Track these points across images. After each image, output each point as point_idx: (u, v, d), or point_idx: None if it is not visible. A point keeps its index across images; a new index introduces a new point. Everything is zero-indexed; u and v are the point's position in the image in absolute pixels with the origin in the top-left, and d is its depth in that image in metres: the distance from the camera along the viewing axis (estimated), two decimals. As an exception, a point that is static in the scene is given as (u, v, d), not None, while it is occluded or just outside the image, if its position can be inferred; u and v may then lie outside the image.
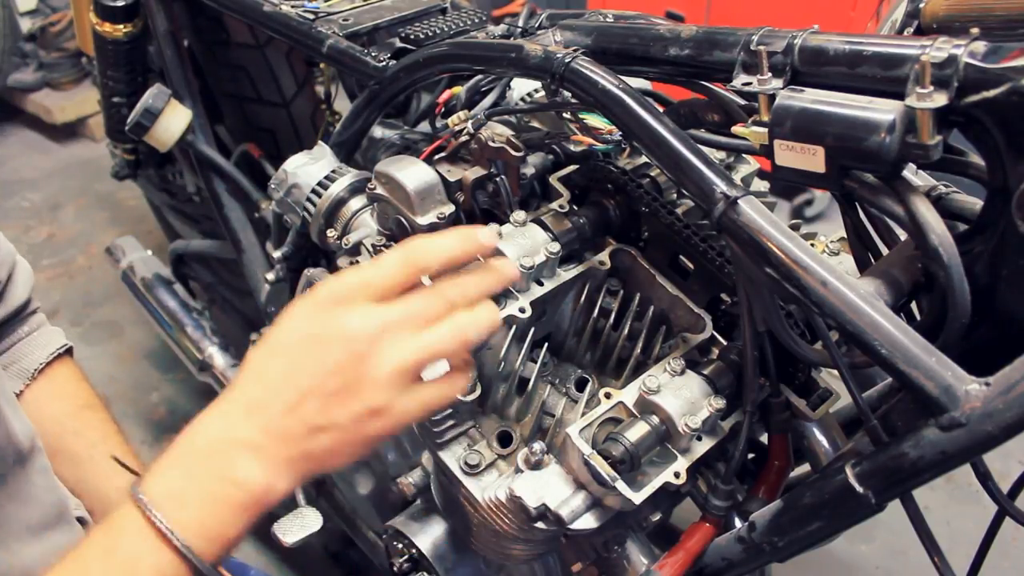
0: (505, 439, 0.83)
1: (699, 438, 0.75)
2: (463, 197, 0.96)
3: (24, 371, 1.00)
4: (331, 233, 1.07)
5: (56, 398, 1.02)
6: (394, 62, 1.07)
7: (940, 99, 0.58)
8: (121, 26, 1.58)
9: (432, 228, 0.94)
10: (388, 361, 0.63)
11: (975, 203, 0.70)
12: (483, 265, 0.72)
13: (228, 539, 0.62)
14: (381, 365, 0.63)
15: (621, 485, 0.69)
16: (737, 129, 0.73)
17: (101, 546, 0.61)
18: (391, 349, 0.63)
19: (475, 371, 0.75)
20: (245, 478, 0.61)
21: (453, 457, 0.81)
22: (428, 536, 0.91)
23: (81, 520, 0.88)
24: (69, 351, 1.07)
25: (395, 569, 0.91)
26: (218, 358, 1.71)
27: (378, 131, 1.26)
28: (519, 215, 0.86)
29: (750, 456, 0.96)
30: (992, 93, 0.57)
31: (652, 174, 0.92)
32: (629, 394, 0.76)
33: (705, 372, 0.78)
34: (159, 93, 1.47)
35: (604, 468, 0.69)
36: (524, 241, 0.83)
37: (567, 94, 0.82)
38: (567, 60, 0.79)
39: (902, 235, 0.71)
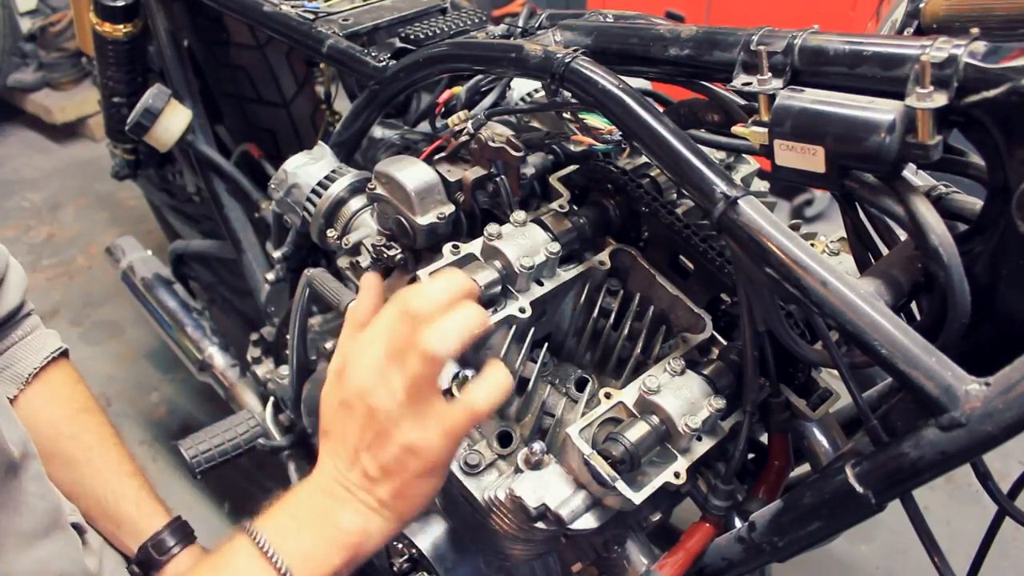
0: (505, 439, 0.83)
1: (699, 438, 0.75)
2: (463, 197, 0.96)
3: (18, 376, 0.99)
4: (331, 233, 1.07)
5: (52, 402, 1.02)
6: (394, 62, 1.07)
7: (940, 99, 0.58)
8: (121, 26, 1.58)
9: (432, 228, 0.94)
10: (391, 399, 0.67)
11: (975, 203, 0.70)
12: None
13: (325, 574, 0.67)
14: (389, 405, 0.67)
15: (621, 485, 0.69)
16: (737, 129, 0.73)
17: (211, 565, 0.68)
18: (389, 388, 0.67)
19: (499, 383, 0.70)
20: (342, 520, 0.68)
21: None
22: (428, 536, 0.90)
23: (77, 527, 0.87)
24: (65, 354, 1.06)
25: (395, 569, 0.91)
26: (218, 358, 1.71)
27: (378, 131, 1.26)
28: (519, 215, 0.86)
29: (750, 456, 0.96)
30: (992, 93, 0.57)
31: (652, 174, 0.92)
32: (629, 394, 0.76)
33: (705, 372, 0.78)
34: (159, 93, 1.47)
35: (604, 468, 0.69)
36: (524, 241, 0.83)
37: (567, 94, 0.82)
38: (567, 60, 0.79)
39: (902, 235, 0.71)
